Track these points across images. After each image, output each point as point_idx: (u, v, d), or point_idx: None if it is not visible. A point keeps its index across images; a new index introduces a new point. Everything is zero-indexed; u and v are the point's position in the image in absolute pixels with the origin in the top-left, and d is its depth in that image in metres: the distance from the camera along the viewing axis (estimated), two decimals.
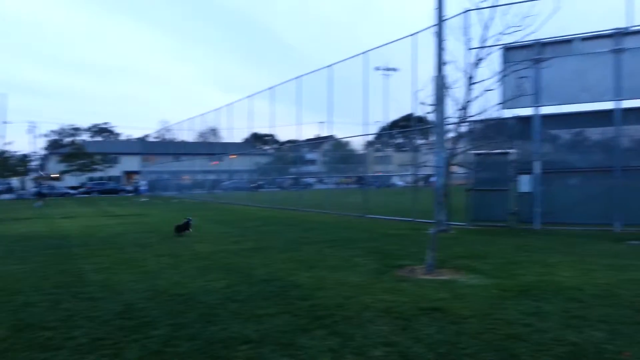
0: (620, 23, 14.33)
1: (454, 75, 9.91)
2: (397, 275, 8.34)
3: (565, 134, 16.48)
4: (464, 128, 9.51)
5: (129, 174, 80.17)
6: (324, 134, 31.74)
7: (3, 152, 64.73)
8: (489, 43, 8.40)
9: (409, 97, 26.09)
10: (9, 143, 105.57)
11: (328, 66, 24.62)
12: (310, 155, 50.66)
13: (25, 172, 67.55)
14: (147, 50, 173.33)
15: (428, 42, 16.44)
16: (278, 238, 14.02)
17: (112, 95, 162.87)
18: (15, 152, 68.24)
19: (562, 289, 7.14)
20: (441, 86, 13.74)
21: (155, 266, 9.62)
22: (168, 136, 57.08)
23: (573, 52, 15.14)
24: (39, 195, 38.32)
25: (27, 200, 44.45)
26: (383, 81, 21.94)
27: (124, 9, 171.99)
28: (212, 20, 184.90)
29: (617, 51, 14.45)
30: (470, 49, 9.64)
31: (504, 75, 9.30)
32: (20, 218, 23.24)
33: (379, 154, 52.72)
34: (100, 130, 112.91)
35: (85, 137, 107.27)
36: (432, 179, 18.69)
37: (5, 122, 70.26)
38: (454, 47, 9.25)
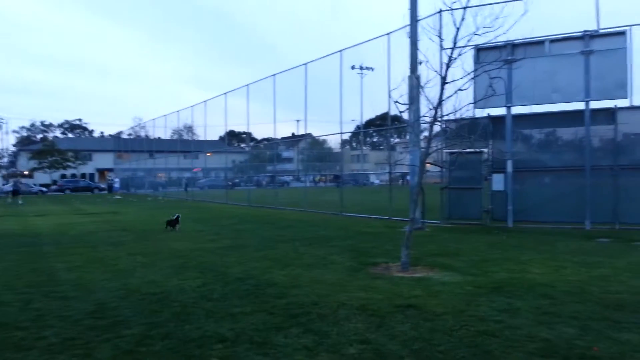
0: (589, 26, 14.62)
1: (428, 74, 10.02)
2: (372, 273, 8.39)
3: (537, 134, 16.77)
4: (437, 127, 9.60)
5: (102, 171, 79.00)
6: (301, 132, 31.74)
7: None
8: (461, 43, 8.47)
9: (385, 96, 26.32)
10: None
11: (303, 64, 24.60)
12: (286, 153, 50.65)
13: None
14: (121, 47, 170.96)
15: (402, 41, 16.61)
16: (254, 236, 13.98)
17: (85, 92, 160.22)
18: None
19: (534, 285, 7.26)
20: (415, 85, 13.86)
21: (128, 265, 9.51)
22: (142, 133, 56.33)
23: (544, 54, 15.42)
24: (15, 192, 37.48)
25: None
26: (359, 80, 22.05)
27: (98, 5, 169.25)
28: (188, 18, 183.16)
29: (586, 53, 14.76)
30: (443, 49, 9.72)
31: (475, 76, 9.40)
32: None
33: (355, 152, 52.97)
34: (73, 126, 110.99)
35: (57, 133, 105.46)
36: (408, 177, 18.84)
37: None
38: (428, 47, 9.35)
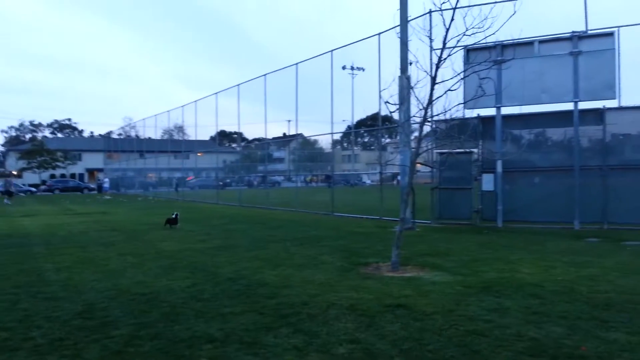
0: (578, 26, 14.73)
1: (418, 75, 10.04)
2: (363, 273, 8.40)
3: (526, 134, 16.86)
4: (428, 127, 9.63)
5: (92, 171, 78.51)
6: (292, 132, 31.73)
7: None
8: (450, 44, 8.50)
9: (375, 96, 26.38)
10: None
11: (294, 64, 24.59)
12: (277, 154, 50.60)
13: None
14: (111, 46, 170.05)
15: (393, 42, 16.65)
16: (244, 236, 13.95)
17: (75, 92, 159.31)
18: None
19: (523, 285, 7.30)
20: (405, 86, 13.88)
21: (118, 265, 9.46)
22: (133, 133, 56.03)
23: (533, 54, 15.53)
24: (7, 193, 37.14)
25: None
26: (350, 80, 22.09)
27: (90, 4, 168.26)
28: (180, 17, 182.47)
29: (575, 54, 14.86)
30: (433, 49, 9.74)
31: (465, 76, 9.43)
32: None
33: (347, 152, 53.01)
34: (62, 126, 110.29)
35: (47, 133, 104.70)
36: (399, 177, 18.90)
37: None
38: (418, 48, 9.39)
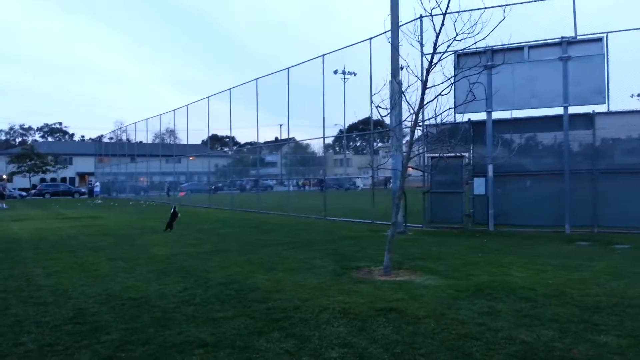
0: (567, 32, 14.85)
1: (409, 79, 10.07)
2: (355, 277, 8.40)
3: (517, 138, 16.94)
4: (419, 132, 9.68)
5: (83, 175, 78.06)
6: (284, 136, 31.70)
7: None
8: (441, 49, 8.54)
9: (367, 101, 26.47)
10: None
11: (286, 69, 24.62)
12: (270, 158, 50.51)
13: None
14: (102, 50, 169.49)
15: (384, 46, 16.71)
16: (236, 240, 13.92)
17: (66, 95, 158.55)
18: None
19: (514, 288, 7.33)
20: (396, 90, 13.93)
21: (108, 270, 9.40)
22: (124, 137, 55.80)
23: (523, 59, 15.63)
24: (1, 196, 36.87)
25: None
26: (341, 84, 22.12)
27: (80, 7, 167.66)
28: (171, 21, 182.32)
29: (564, 59, 14.98)
30: (424, 54, 9.79)
31: (456, 81, 9.48)
32: None
33: (339, 156, 53.07)
34: (53, 130, 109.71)
35: (37, 137, 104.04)
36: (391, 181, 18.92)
37: None
38: (409, 52, 9.42)
